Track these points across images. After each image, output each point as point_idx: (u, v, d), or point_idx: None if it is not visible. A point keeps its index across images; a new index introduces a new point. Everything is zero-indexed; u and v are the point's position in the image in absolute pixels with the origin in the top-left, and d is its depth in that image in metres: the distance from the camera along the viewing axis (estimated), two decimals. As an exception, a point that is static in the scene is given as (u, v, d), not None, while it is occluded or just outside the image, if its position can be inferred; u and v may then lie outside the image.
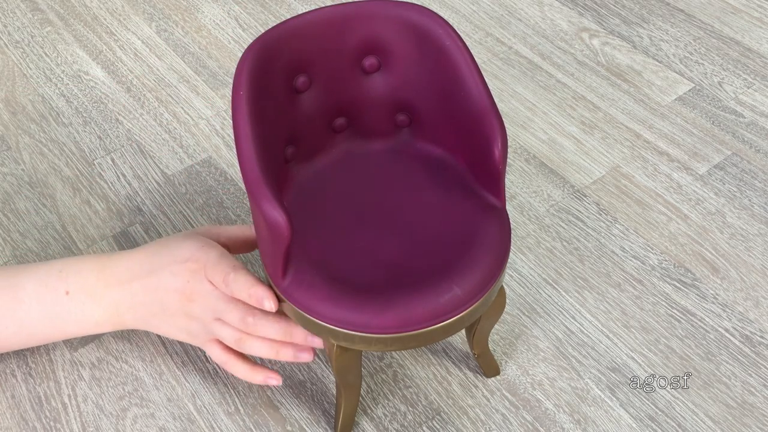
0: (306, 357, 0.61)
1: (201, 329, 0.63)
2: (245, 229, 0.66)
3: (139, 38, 1.08)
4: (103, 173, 0.89)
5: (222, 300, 0.60)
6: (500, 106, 0.98)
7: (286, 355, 0.61)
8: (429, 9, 0.59)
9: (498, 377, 0.70)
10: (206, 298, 0.61)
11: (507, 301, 0.73)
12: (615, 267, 0.79)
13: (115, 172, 0.89)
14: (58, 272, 0.64)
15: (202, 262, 0.61)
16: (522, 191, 0.87)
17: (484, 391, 0.69)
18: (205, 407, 0.68)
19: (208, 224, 0.65)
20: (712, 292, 0.77)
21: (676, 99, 0.98)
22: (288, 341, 0.60)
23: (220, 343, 0.64)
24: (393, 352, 0.72)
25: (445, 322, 0.53)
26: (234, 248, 0.67)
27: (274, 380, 0.64)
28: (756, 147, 0.92)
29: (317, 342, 0.60)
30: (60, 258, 0.67)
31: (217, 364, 0.69)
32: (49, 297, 0.63)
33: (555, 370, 0.71)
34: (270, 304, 0.56)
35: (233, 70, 1.03)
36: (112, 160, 0.91)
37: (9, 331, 0.64)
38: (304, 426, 0.67)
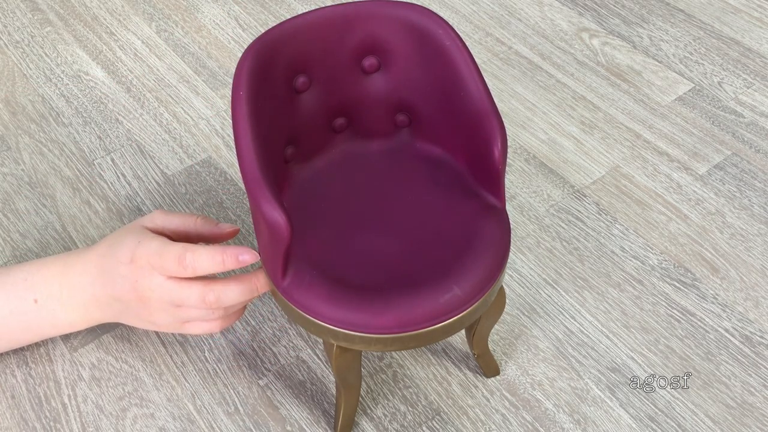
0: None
1: (170, 319, 0.63)
2: (189, 223, 0.64)
3: (139, 38, 1.08)
4: (103, 173, 0.89)
5: (175, 288, 0.60)
6: (500, 106, 0.98)
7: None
8: (429, 9, 0.59)
9: (498, 377, 0.70)
10: (159, 293, 0.60)
11: (507, 301, 0.73)
12: (615, 267, 0.79)
13: (115, 172, 0.89)
14: (23, 281, 0.63)
15: (144, 257, 0.60)
16: (522, 191, 0.87)
17: (484, 391, 0.69)
18: (205, 407, 0.68)
19: (159, 211, 0.64)
20: (712, 292, 0.77)
21: (676, 99, 0.98)
22: (255, 291, 0.61)
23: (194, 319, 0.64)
24: (393, 352, 0.72)
25: (445, 322, 0.53)
26: (179, 240, 0.64)
27: (247, 255, 0.59)
28: (756, 147, 0.92)
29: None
30: (26, 262, 0.66)
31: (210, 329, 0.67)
32: (19, 306, 0.64)
33: (555, 370, 0.71)
34: (247, 257, 0.57)
35: (233, 70, 1.03)
36: (112, 160, 0.91)
37: None
38: (304, 426, 0.67)
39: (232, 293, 0.59)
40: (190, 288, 0.59)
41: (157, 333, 0.73)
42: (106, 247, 0.63)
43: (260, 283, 0.59)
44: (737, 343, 0.73)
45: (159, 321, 0.63)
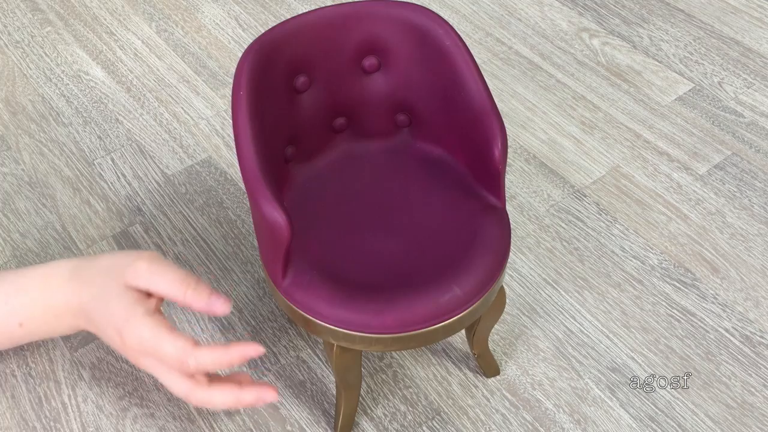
0: (271, 396, 0.58)
1: (154, 366, 0.59)
2: (178, 293, 0.57)
3: (139, 38, 1.08)
4: (103, 173, 0.89)
5: (168, 374, 0.58)
6: (500, 106, 0.98)
7: (247, 398, 0.58)
8: (429, 9, 0.59)
9: (498, 377, 0.70)
10: (151, 367, 0.58)
11: (507, 301, 0.73)
12: (615, 267, 0.79)
13: (115, 172, 0.89)
14: (4, 304, 0.61)
15: (136, 343, 0.57)
16: (522, 191, 0.87)
17: (484, 391, 0.69)
18: (205, 407, 0.68)
19: (146, 260, 0.58)
20: (712, 292, 0.77)
21: (676, 99, 0.98)
22: (239, 382, 0.58)
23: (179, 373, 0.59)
24: (393, 352, 0.72)
25: (445, 322, 0.53)
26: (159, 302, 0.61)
27: (270, 395, 0.58)
28: (756, 147, 0.92)
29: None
30: (3, 279, 0.62)
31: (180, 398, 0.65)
32: (4, 329, 0.63)
33: (555, 370, 0.71)
34: (253, 354, 0.55)
35: (233, 70, 1.03)
36: (112, 160, 0.91)
37: None
38: (304, 426, 0.67)
39: (210, 355, 0.56)
40: (170, 342, 0.56)
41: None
42: (89, 296, 0.59)
43: (236, 353, 0.56)
44: (737, 343, 0.73)
45: (146, 364, 0.60)
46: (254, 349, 0.55)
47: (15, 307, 0.61)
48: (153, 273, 0.57)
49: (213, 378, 0.58)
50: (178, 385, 0.57)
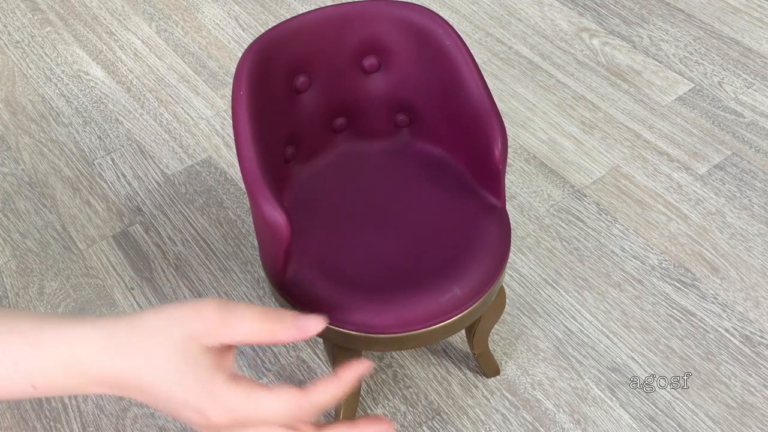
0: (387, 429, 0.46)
1: None
2: (258, 326, 0.47)
3: (139, 38, 1.08)
4: (103, 173, 0.89)
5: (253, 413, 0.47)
6: (500, 106, 0.98)
7: None
8: (429, 9, 0.59)
9: (498, 377, 0.70)
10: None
11: (507, 301, 0.73)
12: (615, 267, 0.79)
13: (115, 172, 0.89)
14: (14, 364, 0.47)
15: (226, 417, 0.46)
16: (522, 191, 0.87)
17: (484, 391, 0.69)
18: None
19: (214, 309, 0.46)
20: (712, 292, 0.77)
21: (676, 99, 0.98)
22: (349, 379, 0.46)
23: None
24: (393, 352, 0.72)
25: (445, 322, 0.53)
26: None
27: (386, 427, 0.47)
28: (756, 147, 0.92)
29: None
30: (16, 327, 0.48)
31: None
32: (16, 391, 0.47)
33: (555, 370, 0.71)
34: (317, 324, 0.45)
35: (233, 70, 1.03)
36: (112, 160, 0.91)
37: None
38: (304, 426, 0.67)
39: (329, 388, 0.46)
40: (277, 399, 0.46)
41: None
42: (138, 368, 0.46)
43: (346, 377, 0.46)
44: (737, 343, 0.73)
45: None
46: (365, 367, 0.45)
47: (30, 371, 0.47)
48: (226, 321, 0.45)
49: (319, 425, 0.49)
50: None
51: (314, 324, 0.46)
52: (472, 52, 1.06)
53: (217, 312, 0.45)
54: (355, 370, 0.45)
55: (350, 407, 0.63)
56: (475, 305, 0.54)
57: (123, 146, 0.92)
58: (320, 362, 0.71)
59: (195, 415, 0.45)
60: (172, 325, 0.46)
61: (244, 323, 0.46)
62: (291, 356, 0.72)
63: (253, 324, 0.46)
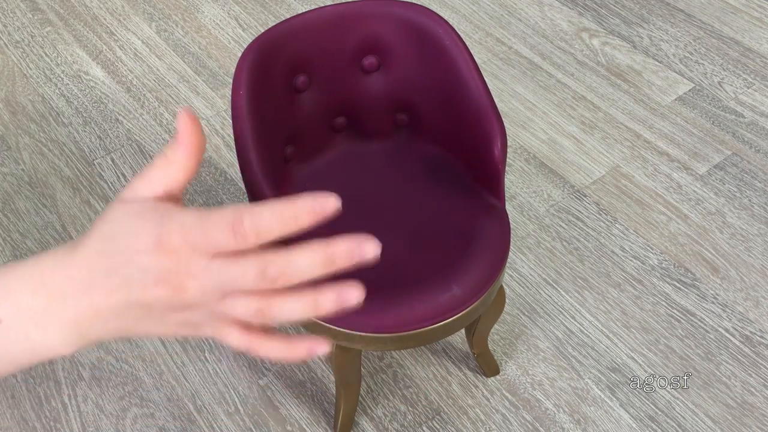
0: (357, 295, 0.41)
1: (205, 316, 0.51)
2: (170, 168, 0.41)
3: (139, 38, 1.08)
4: (103, 173, 0.89)
5: (228, 266, 0.47)
6: (500, 106, 0.98)
7: (327, 303, 0.42)
8: (429, 9, 0.59)
9: (498, 377, 0.70)
10: (204, 277, 0.48)
11: (507, 301, 0.73)
12: (615, 267, 0.79)
13: (115, 172, 0.89)
14: None
15: (178, 237, 0.46)
16: (522, 191, 0.87)
17: (484, 391, 0.69)
18: (205, 407, 0.68)
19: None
20: (712, 292, 0.77)
21: (676, 99, 0.98)
22: (328, 272, 0.41)
23: (236, 323, 0.51)
24: (393, 352, 0.72)
25: (444, 321, 0.53)
26: (179, 192, 0.45)
27: (322, 348, 0.46)
28: (756, 147, 0.92)
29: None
30: None
31: (241, 352, 0.59)
32: None
33: (555, 370, 0.71)
34: (325, 205, 0.36)
35: (233, 70, 1.03)
36: (112, 160, 0.91)
37: None
38: (304, 426, 0.67)
39: (305, 256, 0.38)
40: (247, 261, 0.43)
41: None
42: (101, 241, 0.48)
43: (342, 249, 0.37)
44: (737, 343, 0.73)
45: (193, 319, 0.50)
46: (327, 199, 0.37)
47: None
48: (140, 180, 0.39)
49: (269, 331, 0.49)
50: (234, 337, 0.46)
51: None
52: (472, 52, 1.06)
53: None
54: (315, 206, 0.35)
55: (350, 407, 0.63)
56: (474, 305, 0.54)
57: (123, 146, 0.92)
58: (320, 362, 0.71)
59: (149, 248, 0.38)
60: (173, 237, 0.41)
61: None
62: (291, 356, 0.72)
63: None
